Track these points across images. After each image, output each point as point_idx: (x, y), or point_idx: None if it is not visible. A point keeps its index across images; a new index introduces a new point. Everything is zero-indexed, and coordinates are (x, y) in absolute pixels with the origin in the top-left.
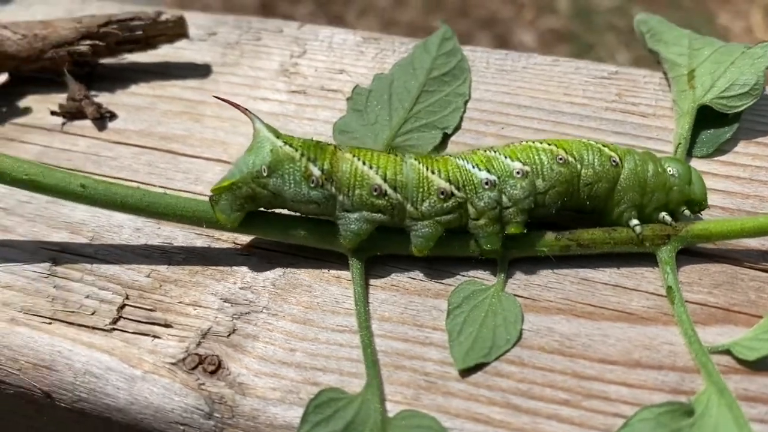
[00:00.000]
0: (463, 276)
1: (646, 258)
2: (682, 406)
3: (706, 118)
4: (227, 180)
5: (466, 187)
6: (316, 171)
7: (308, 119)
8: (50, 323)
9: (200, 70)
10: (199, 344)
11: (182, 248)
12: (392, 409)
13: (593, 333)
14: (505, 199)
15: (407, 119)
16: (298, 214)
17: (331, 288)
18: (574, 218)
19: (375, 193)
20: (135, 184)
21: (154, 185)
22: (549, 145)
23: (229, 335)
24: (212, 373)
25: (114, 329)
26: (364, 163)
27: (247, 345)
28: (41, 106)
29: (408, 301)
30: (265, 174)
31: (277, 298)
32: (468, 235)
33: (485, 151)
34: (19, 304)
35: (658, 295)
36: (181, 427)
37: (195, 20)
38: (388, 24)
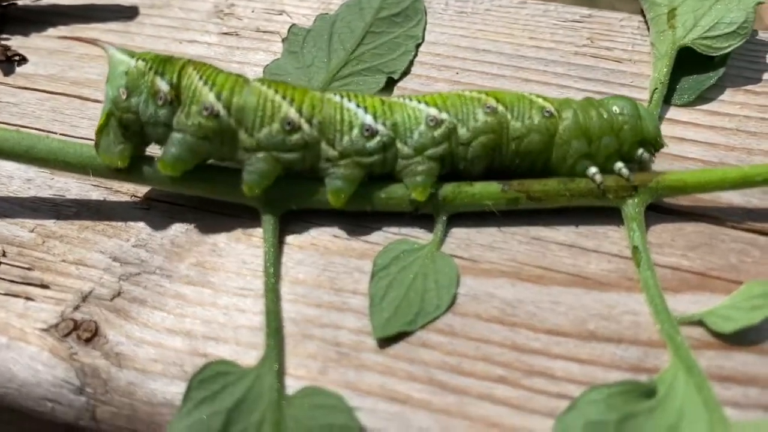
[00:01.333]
0: (395, 234)
1: (610, 214)
2: (640, 385)
3: (688, 61)
4: (100, 118)
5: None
6: (163, 86)
7: (237, 62)
8: None
9: (126, 13)
10: (76, 308)
11: (75, 201)
12: (293, 385)
13: (541, 299)
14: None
15: (348, 62)
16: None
17: (238, 246)
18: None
19: (288, 128)
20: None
21: (54, 133)
22: (479, 94)
23: (112, 299)
24: (87, 341)
25: None
26: (270, 88)
27: (131, 310)
28: None
29: (327, 262)
30: (124, 96)
31: (174, 257)
32: (399, 184)
33: (402, 98)
34: None
35: (622, 257)
36: (49, 404)
37: None
38: None
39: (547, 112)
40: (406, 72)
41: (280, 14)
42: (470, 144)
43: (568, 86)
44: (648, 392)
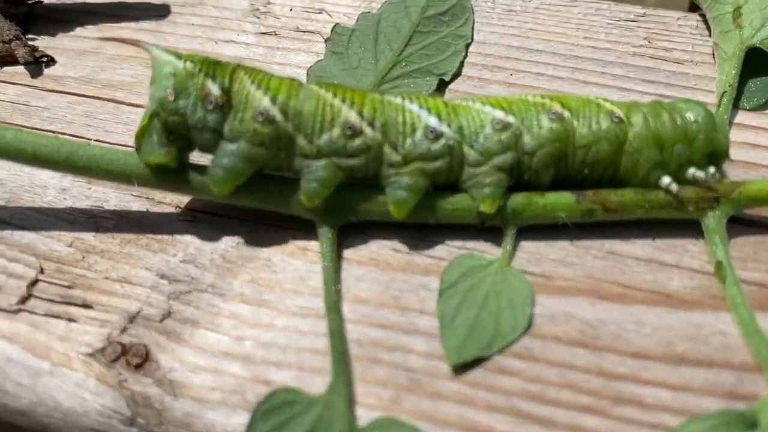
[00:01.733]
0: (459, 249)
1: (688, 226)
2: (741, 415)
3: (757, 62)
4: (142, 120)
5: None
6: (216, 91)
7: (278, 64)
8: None
9: (157, 11)
10: (123, 330)
11: (114, 213)
12: (364, 416)
13: (623, 320)
14: (473, 153)
15: (396, 63)
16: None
17: (294, 262)
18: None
19: (349, 132)
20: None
21: (89, 139)
22: (542, 98)
23: (162, 320)
24: (137, 366)
25: (21, 310)
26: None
27: (184, 332)
28: None
29: (390, 279)
30: (171, 99)
31: (226, 274)
32: (464, 195)
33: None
34: None
35: (704, 273)
36: None
37: None
38: None
39: (616, 117)
40: (457, 74)
41: (320, 13)
42: (535, 153)
43: (629, 89)
44: (750, 423)
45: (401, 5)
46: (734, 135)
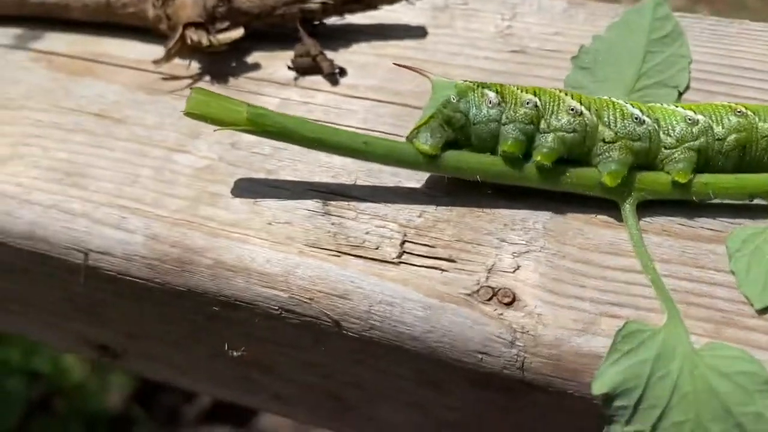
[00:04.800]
0: (731, 223)
1: None
2: None
3: None
4: (422, 119)
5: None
6: (492, 95)
7: (533, 76)
8: (338, 256)
9: (415, 32)
10: (487, 278)
11: (445, 191)
12: (696, 341)
13: None
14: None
15: (639, 77)
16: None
17: (603, 231)
18: None
19: (636, 120)
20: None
21: (400, 135)
22: (727, 104)
23: (514, 271)
24: (508, 305)
25: (401, 263)
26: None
27: (534, 280)
28: (268, 62)
29: (683, 245)
30: (455, 100)
31: (551, 239)
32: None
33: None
34: (302, 238)
35: None
36: (479, 356)
37: None
38: None
39: None
40: (687, 87)
41: (556, 35)
42: (725, 139)
43: None
44: None
45: (625, 30)
46: None
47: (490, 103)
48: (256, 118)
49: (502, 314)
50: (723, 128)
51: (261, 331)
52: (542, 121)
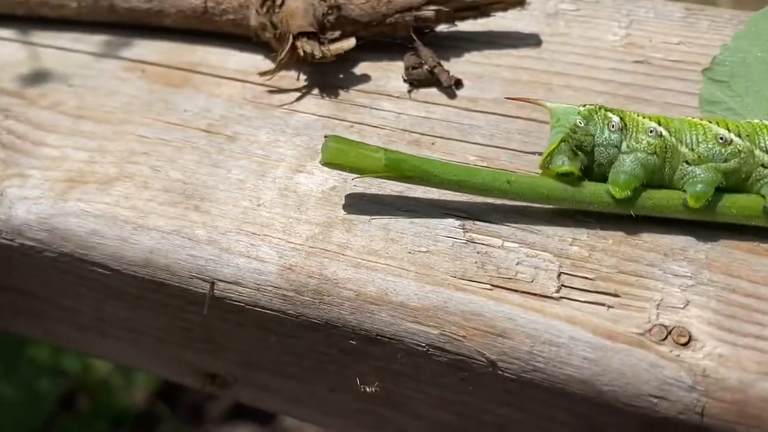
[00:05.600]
0: None
1: None
2: None
3: None
4: (552, 144)
5: None
6: (615, 118)
7: (661, 89)
8: (491, 289)
9: (529, 40)
10: (658, 316)
11: (599, 217)
12: None
13: None
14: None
15: None
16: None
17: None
18: None
19: (722, 141)
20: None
21: (534, 153)
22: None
23: (684, 306)
24: (684, 345)
25: (561, 298)
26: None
27: (708, 317)
28: (377, 73)
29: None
30: (582, 125)
31: (717, 271)
32: None
33: None
34: (448, 268)
35: None
36: (654, 400)
37: None
38: None
39: None
40: None
41: (678, 44)
42: None
43: None
44: None
45: (756, 39)
46: None
47: (614, 126)
48: (395, 164)
49: (679, 355)
50: None
51: (401, 366)
52: (687, 151)
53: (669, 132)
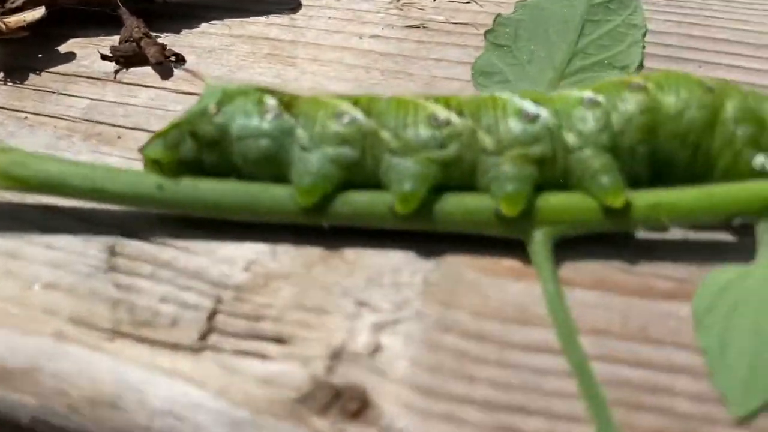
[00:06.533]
0: (700, 266)
1: None
2: None
3: None
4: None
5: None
6: (271, 102)
7: (434, 59)
8: (112, 340)
9: (287, 4)
10: (330, 369)
11: (294, 229)
12: None
13: None
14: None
15: (574, 55)
16: None
17: (509, 286)
18: None
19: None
20: None
21: None
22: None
23: (371, 353)
24: (354, 415)
25: (204, 348)
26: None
27: (398, 370)
28: (87, 51)
29: (627, 305)
30: (213, 111)
31: (433, 300)
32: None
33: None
34: (67, 310)
35: None
36: None
37: None
38: None
39: (708, 87)
40: (640, 66)
41: (468, 2)
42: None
43: None
44: None
45: None
46: None
47: (268, 112)
48: (6, 167)
49: None
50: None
51: None
52: (390, 138)
53: (368, 115)
